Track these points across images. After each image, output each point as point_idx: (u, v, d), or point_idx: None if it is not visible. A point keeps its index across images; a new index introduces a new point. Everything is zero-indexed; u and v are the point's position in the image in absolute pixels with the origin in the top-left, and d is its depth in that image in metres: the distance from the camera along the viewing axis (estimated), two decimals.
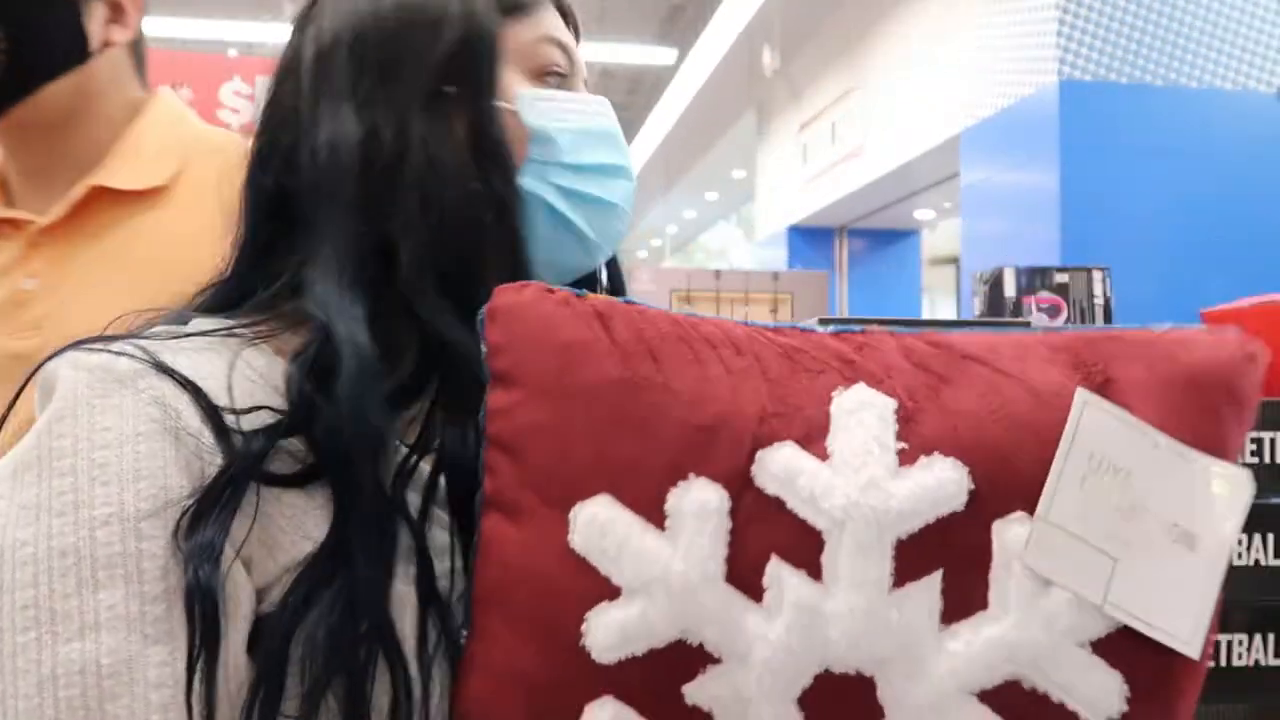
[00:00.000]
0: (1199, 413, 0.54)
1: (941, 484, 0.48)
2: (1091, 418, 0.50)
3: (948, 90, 5.48)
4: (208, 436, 0.52)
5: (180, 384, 0.52)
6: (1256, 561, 1.62)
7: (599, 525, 0.49)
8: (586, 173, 0.66)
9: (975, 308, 2.20)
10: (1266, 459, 1.64)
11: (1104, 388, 0.52)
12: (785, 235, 8.10)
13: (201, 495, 0.50)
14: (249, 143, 0.65)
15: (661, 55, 9.56)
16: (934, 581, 0.48)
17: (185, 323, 0.59)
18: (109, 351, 0.53)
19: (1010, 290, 2.10)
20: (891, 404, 0.51)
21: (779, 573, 0.48)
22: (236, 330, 0.58)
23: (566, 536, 0.49)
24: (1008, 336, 0.57)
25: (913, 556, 0.48)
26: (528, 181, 0.64)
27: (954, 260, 9.61)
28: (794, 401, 0.51)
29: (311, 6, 0.66)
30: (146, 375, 0.52)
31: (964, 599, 0.48)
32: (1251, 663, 1.63)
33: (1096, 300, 2.10)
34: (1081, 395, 0.51)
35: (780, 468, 0.49)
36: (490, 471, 0.53)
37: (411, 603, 0.54)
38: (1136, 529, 0.50)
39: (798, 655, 0.47)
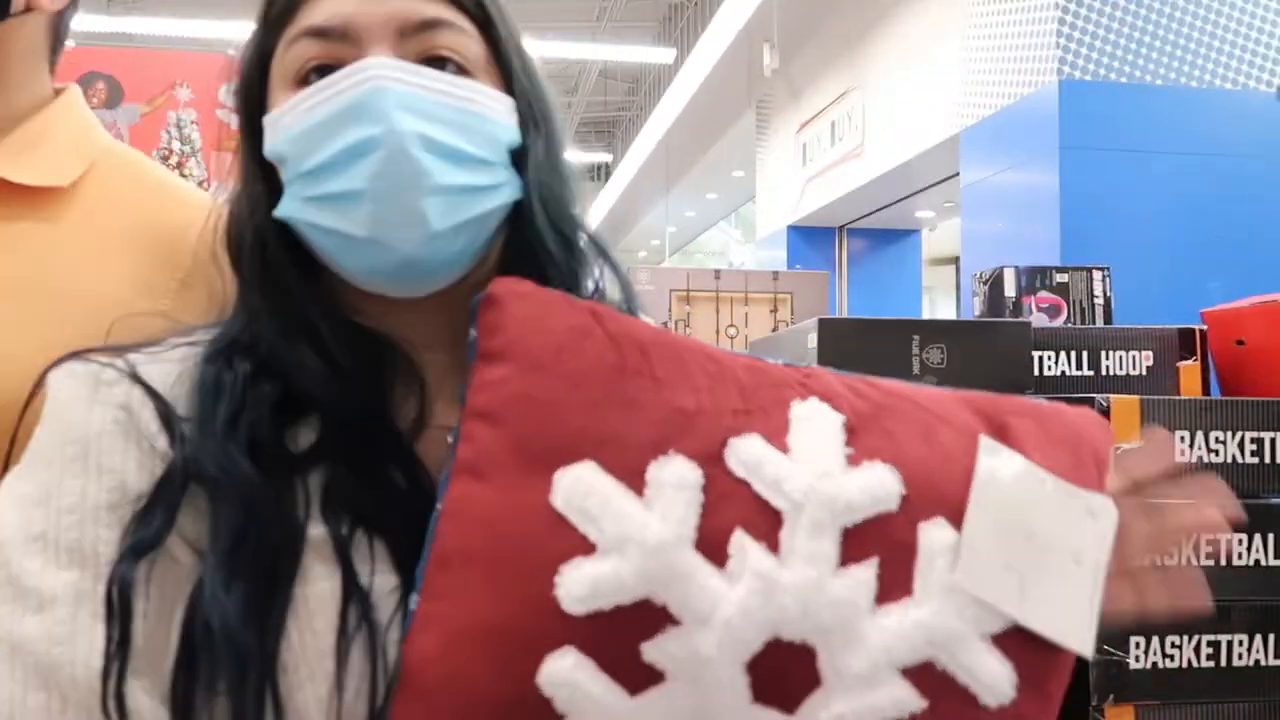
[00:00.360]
0: (1074, 464, 0.65)
1: (881, 484, 0.57)
2: (995, 460, 0.60)
3: (948, 90, 5.48)
4: (162, 441, 0.58)
5: (146, 391, 0.59)
6: (1256, 562, 1.62)
7: (583, 487, 0.53)
8: (323, 173, 0.59)
9: (975, 308, 2.19)
10: (1266, 459, 1.64)
11: (1002, 431, 0.63)
12: (785, 235, 8.09)
13: (150, 494, 0.57)
14: (156, 165, 0.70)
15: (660, 55, 9.56)
16: (872, 566, 0.55)
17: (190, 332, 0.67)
18: (97, 362, 0.60)
19: (1010, 290, 2.10)
20: (840, 418, 0.59)
21: (743, 543, 0.54)
22: (199, 341, 0.65)
23: (547, 496, 0.53)
24: (924, 388, 0.67)
25: (855, 544, 0.55)
26: (285, 207, 0.62)
27: (954, 260, 9.62)
28: (760, 404, 0.58)
29: None
30: (120, 383, 0.59)
31: (894, 585, 0.55)
32: (1251, 663, 1.63)
33: (1096, 300, 2.10)
34: (985, 442, 0.61)
35: (749, 454, 0.56)
36: (465, 439, 0.56)
37: (330, 598, 0.56)
38: (1038, 552, 0.59)
39: (754, 618, 0.52)
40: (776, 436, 0.57)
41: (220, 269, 0.68)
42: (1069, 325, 2.06)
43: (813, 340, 1.63)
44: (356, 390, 0.62)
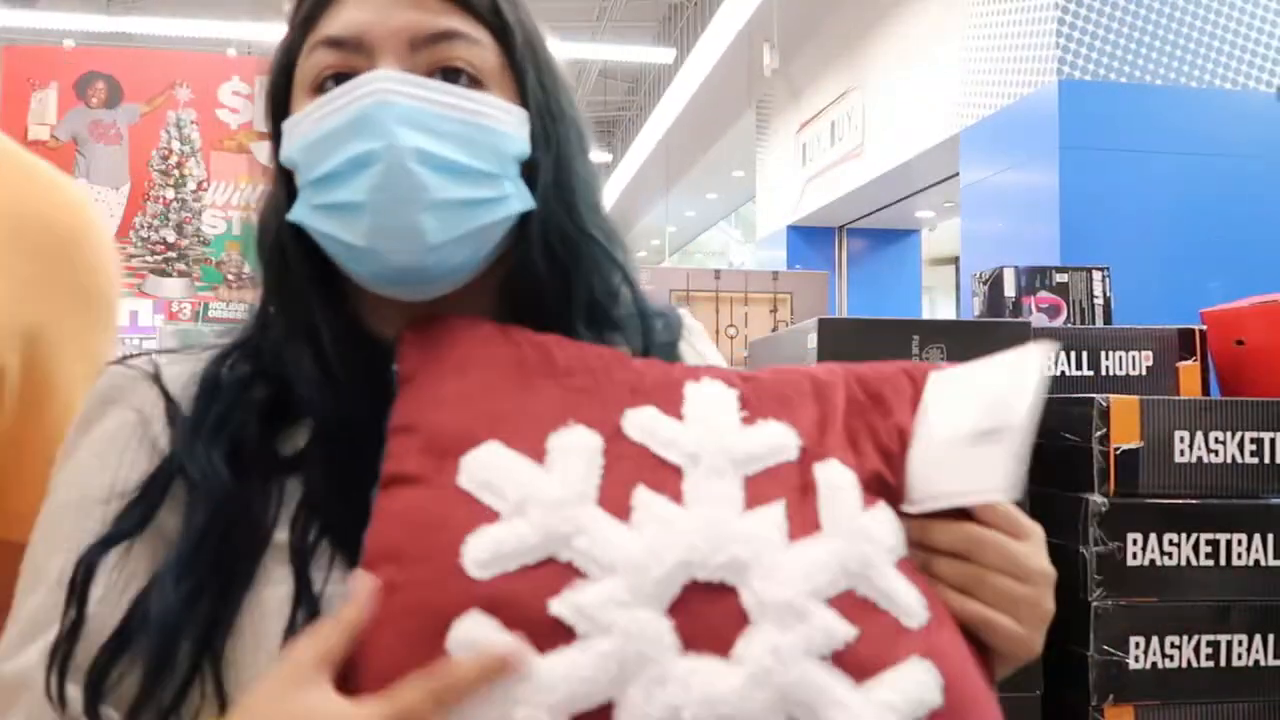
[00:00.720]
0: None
1: (776, 435, 0.60)
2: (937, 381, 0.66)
3: (947, 90, 5.48)
4: (164, 440, 0.62)
5: (162, 393, 0.64)
6: (1256, 562, 1.62)
7: (484, 463, 0.55)
8: (329, 182, 0.60)
9: (975, 308, 2.19)
10: (1266, 459, 1.64)
11: (877, 400, 0.67)
12: (785, 235, 8.09)
13: (137, 489, 0.61)
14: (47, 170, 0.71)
15: (660, 55, 9.56)
16: (778, 507, 0.57)
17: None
18: (126, 365, 0.66)
19: (1010, 290, 2.10)
20: (734, 392, 0.62)
21: (644, 497, 0.55)
22: (216, 345, 0.68)
23: (455, 479, 0.55)
24: (819, 366, 0.69)
25: (758, 489, 0.57)
26: (297, 212, 0.63)
27: (954, 260, 9.62)
28: (655, 383, 0.61)
29: None
30: (139, 387, 0.64)
31: (804, 523, 0.57)
32: (1251, 663, 1.63)
33: (1096, 300, 2.10)
34: (934, 373, 0.67)
35: (645, 420, 0.59)
36: (390, 456, 0.57)
37: (285, 602, 0.58)
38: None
39: (664, 560, 0.52)
40: (672, 409, 0.60)
41: (91, 267, 0.72)
42: (1069, 325, 2.07)
43: (812, 340, 1.63)
44: (348, 398, 0.63)
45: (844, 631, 0.53)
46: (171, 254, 5.01)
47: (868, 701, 0.52)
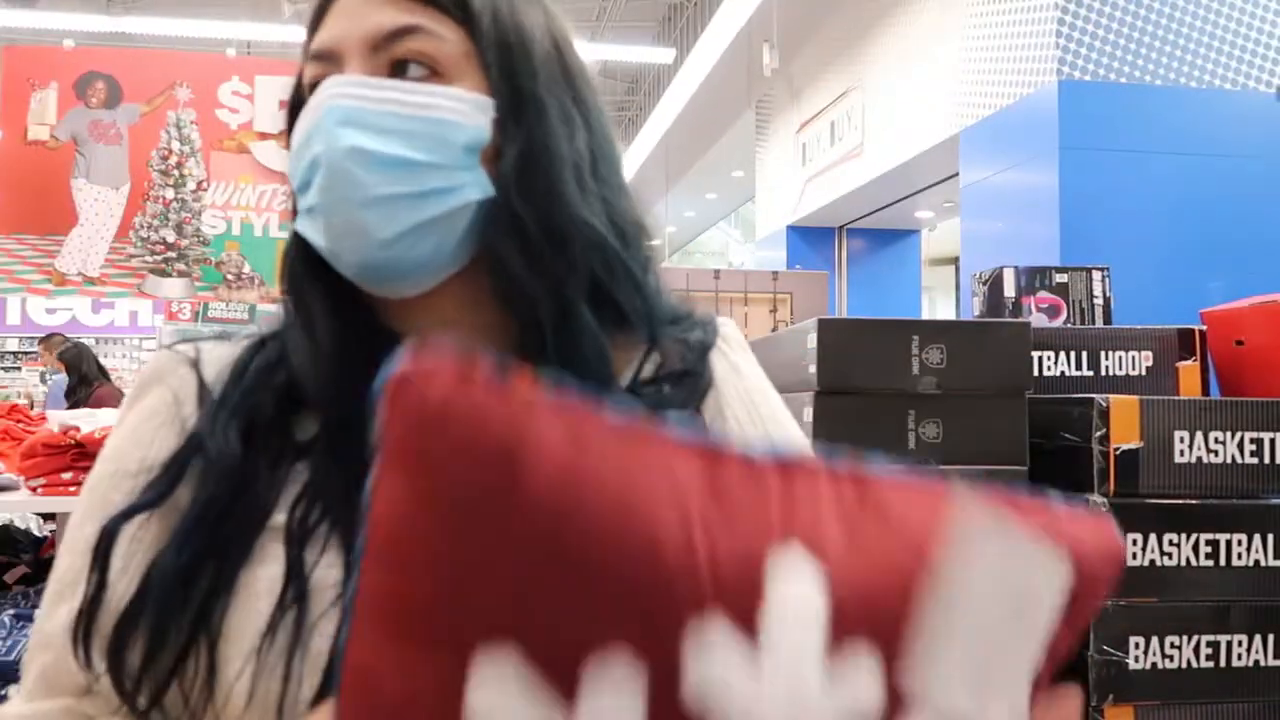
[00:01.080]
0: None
1: (861, 699, 0.44)
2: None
3: (947, 90, 5.48)
4: (193, 421, 0.65)
5: (197, 377, 0.66)
6: (1256, 562, 1.62)
7: (501, 702, 0.40)
8: (301, 191, 0.63)
9: (975, 308, 2.19)
10: (1266, 459, 1.64)
11: None
12: (784, 235, 8.09)
13: (163, 465, 0.63)
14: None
15: (660, 55, 9.56)
16: None
17: None
18: (173, 349, 0.69)
19: (1010, 290, 2.10)
20: (822, 600, 0.44)
21: None
22: (258, 333, 0.70)
23: (462, 696, 0.40)
24: (910, 486, 0.49)
25: None
26: (297, 222, 0.66)
27: (954, 260, 9.62)
28: (729, 559, 0.43)
29: None
30: (180, 369, 0.67)
31: None
32: (1251, 663, 1.63)
33: (1096, 300, 2.10)
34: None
35: (712, 672, 0.41)
36: (366, 572, 0.42)
37: (276, 581, 0.59)
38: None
39: None
40: (746, 622, 0.42)
41: None
42: (1068, 325, 2.06)
43: (812, 340, 1.63)
44: (346, 391, 0.63)
45: None
46: (171, 254, 5.00)
47: None
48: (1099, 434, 1.59)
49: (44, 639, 0.63)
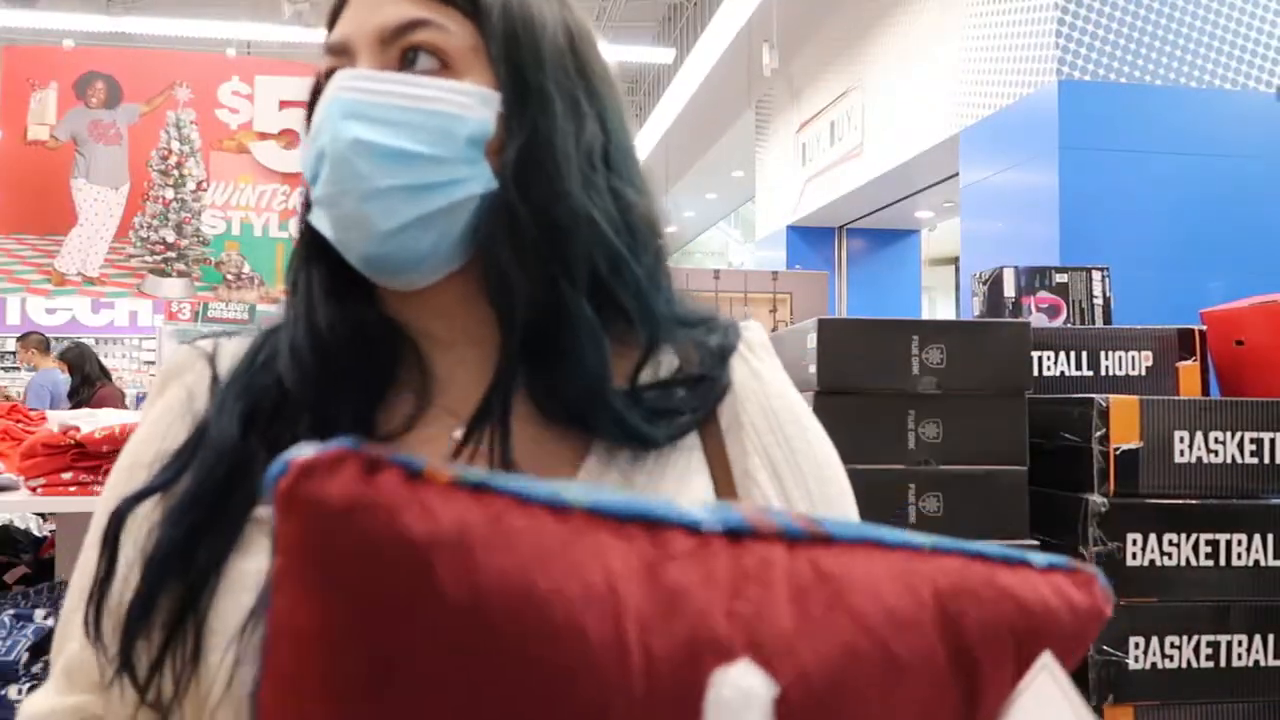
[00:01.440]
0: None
1: None
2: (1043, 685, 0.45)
3: (947, 90, 5.48)
4: (204, 415, 0.66)
5: (211, 371, 0.68)
6: (1256, 562, 1.62)
7: None
8: (313, 183, 0.64)
9: (975, 308, 2.19)
10: (1266, 459, 1.64)
11: (971, 669, 0.44)
12: (784, 235, 8.10)
13: (170, 458, 0.64)
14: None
15: (660, 55, 9.56)
16: None
17: None
18: (193, 344, 0.71)
19: (1010, 290, 2.10)
20: (770, 695, 0.40)
21: None
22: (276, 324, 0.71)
23: None
24: (879, 568, 0.44)
25: None
26: (313, 215, 0.66)
27: (954, 260, 9.62)
28: (664, 680, 0.38)
29: None
30: (196, 364, 0.69)
31: None
32: (1251, 663, 1.63)
33: (1096, 300, 2.10)
34: (1044, 658, 0.45)
35: None
36: (271, 651, 0.39)
37: (259, 575, 0.59)
38: None
39: None
40: None
41: None
42: (1068, 325, 2.06)
43: (812, 340, 1.63)
44: (329, 380, 0.64)
45: None
46: (171, 254, 5.00)
47: None
48: (1099, 434, 1.59)
49: (69, 630, 0.65)
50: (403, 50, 0.64)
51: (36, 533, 2.54)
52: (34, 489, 1.91)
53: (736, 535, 0.42)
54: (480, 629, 0.37)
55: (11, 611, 1.89)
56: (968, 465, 1.62)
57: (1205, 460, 1.61)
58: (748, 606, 0.41)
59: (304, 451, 0.36)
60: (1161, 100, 4.43)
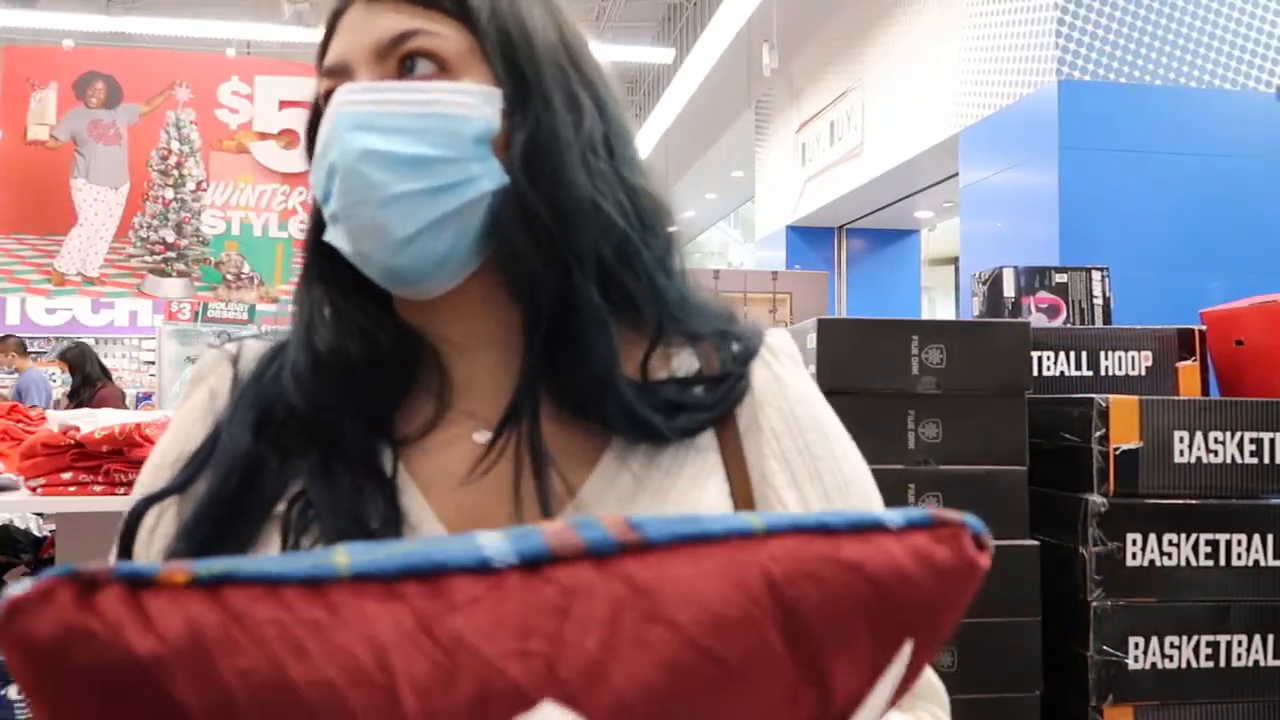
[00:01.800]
0: (872, 643, 0.44)
1: None
2: None
3: (947, 90, 5.48)
4: (223, 418, 0.67)
5: (234, 374, 0.69)
6: (1256, 562, 1.62)
7: None
8: (324, 201, 0.64)
9: (975, 308, 2.19)
10: (1266, 459, 1.64)
11: (790, 617, 0.41)
12: (784, 235, 8.10)
13: (188, 459, 0.66)
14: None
15: (660, 55, 9.56)
16: None
17: None
18: (220, 347, 0.72)
19: (1009, 290, 2.10)
20: None
21: None
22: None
23: None
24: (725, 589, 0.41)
25: None
26: (327, 235, 0.66)
27: (953, 260, 9.62)
28: (451, 709, 0.37)
29: None
30: (220, 366, 0.71)
31: None
32: (1250, 663, 1.63)
33: (1096, 300, 2.10)
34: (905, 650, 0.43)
35: None
36: None
37: None
38: None
39: None
40: None
41: None
42: (1068, 325, 2.06)
43: (812, 340, 1.63)
44: (331, 397, 0.65)
45: None
46: (171, 254, 5.00)
47: None
48: (1099, 434, 1.59)
49: None
50: (400, 60, 0.64)
51: (36, 533, 2.54)
52: (34, 489, 1.90)
53: (534, 564, 0.39)
54: None
55: None
56: (967, 465, 1.62)
57: (1205, 460, 1.61)
58: (544, 644, 0.38)
59: (16, 588, 0.35)
60: (1161, 100, 4.43)
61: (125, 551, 0.64)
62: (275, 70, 5.26)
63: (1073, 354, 1.89)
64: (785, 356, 0.72)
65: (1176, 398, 1.75)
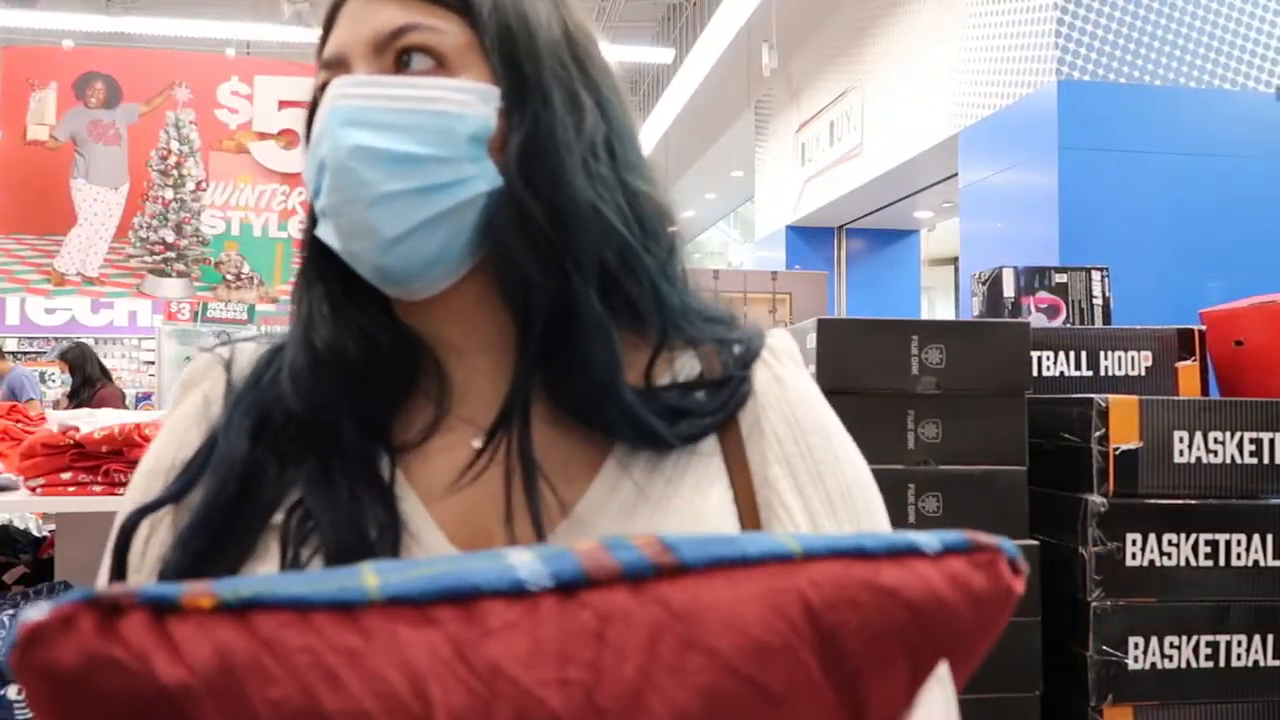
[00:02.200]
0: (910, 673, 0.44)
1: None
2: None
3: (946, 90, 5.48)
4: (220, 421, 0.66)
5: (228, 379, 0.68)
6: (1256, 562, 1.62)
7: None
8: (315, 196, 0.63)
9: (974, 308, 2.19)
10: (1265, 459, 1.64)
11: (829, 641, 0.41)
12: (784, 235, 8.10)
13: (181, 467, 0.64)
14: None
15: (659, 55, 9.56)
16: None
17: None
18: (212, 351, 0.71)
19: (1009, 290, 2.10)
20: None
21: None
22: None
23: None
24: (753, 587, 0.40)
25: None
26: (318, 230, 0.65)
27: (953, 260, 9.62)
28: None
29: None
30: (214, 370, 0.69)
31: None
32: (1250, 663, 1.63)
33: (1095, 300, 2.10)
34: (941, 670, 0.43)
35: None
36: None
37: None
38: None
39: None
40: None
41: None
42: (1068, 325, 2.06)
43: (812, 340, 1.63)
44: (328, 398, 0.63)
45: None
46: (170, 254, 5.00)
47: None
48: (1098, 434, 1.59)
49: None
50: (397, 54, 0.63)
51: (36, 533, 2.54)
52: (33, 489, 1.90)
53: (570, 588, 0.38)
54: None
55: (11, 611, 1.89)
56: (967, 465, 1.62)
57: (1205, 460, 1.61)
58: (582, 672, 0.37)
59: (33, 614, 0.33)
60: (1161, 100, 4.43)
61: (119, 562, 0.62)
62: (275, 70, 5.26)
63: (1072, 354, 1.89)
64: (786, 357, 0.71)
65: (1176, 398, 1.75)
